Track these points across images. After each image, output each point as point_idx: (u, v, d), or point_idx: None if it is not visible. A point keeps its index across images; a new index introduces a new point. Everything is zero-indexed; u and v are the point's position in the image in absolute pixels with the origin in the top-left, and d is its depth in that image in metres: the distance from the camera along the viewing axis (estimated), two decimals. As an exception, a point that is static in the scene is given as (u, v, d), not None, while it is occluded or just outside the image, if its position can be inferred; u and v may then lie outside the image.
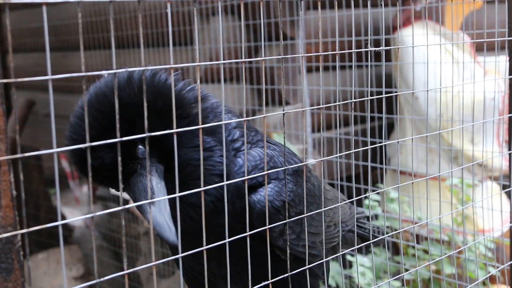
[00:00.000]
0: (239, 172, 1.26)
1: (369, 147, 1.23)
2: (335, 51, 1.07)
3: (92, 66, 4.20)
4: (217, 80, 3.47)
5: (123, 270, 0.82)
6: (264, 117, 1.02)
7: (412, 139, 1.24)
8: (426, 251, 2.99)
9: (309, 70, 3.54)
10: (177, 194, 0.90)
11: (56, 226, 0.75)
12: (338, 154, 1.16)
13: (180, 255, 0.91)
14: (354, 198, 1.37)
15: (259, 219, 1.22)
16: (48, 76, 0.74)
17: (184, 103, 1.21)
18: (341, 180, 3.13)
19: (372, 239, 1.32)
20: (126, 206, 0.82)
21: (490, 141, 3.24)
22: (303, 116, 1.10)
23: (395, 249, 3.45)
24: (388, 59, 3.65)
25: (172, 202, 1.13)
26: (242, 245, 1.05)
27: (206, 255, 0.93)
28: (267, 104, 3.41)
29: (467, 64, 3.29)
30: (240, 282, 1.36)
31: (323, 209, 1.29)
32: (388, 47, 1.20)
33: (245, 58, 0.93)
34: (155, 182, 1.15)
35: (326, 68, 3.41)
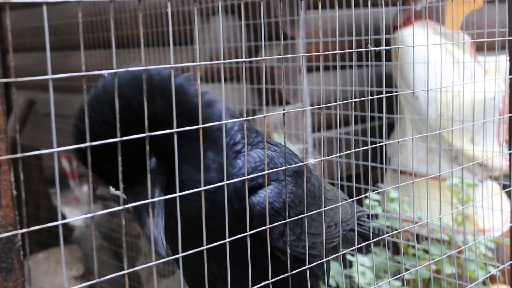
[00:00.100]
0: (239, 174, 1.26)
1: (369, 146, 1.23)
2: (335, 50, 1.07)
3: (92, 66, 4.20)
4: (217, 79, 3.47)
5: (123, 269, 0.82)
6: (264, 116, 1.02)
7: (412, 138, 1.24)
8: (426, 251, 2.99)
9: (309, 69, 3.54)
10: (177, 194, 0.90)
11: (56, 226, 0.75)
12: (338, 154, 1.16)
13: (180, 254, 0.91)
14: (354, 198, 1.37)
15: (258, 221, 1.21)
16: (48, 76, 0.74)
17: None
18: (341, 179, 3.13)
19: (372, 238, 1.32)
20: (126, 206, 0.82)
21: (491, 141, 3.24)
22: (303, 116, 1.10)
23: (395, 249, 3.45)
24: (388, 58, 3.65)
25: (168, 212, 1.16)
26: (241, 247, 1.05)
27: (206, 268, 0.94)
28: (267, 104, 3.41)
29: (468, 64, 3.29)
30: (240, 282, 1.36)
31: (323, 208, 1.29)
32: (388, 47, 1.20)
33: (245, 58, 0.93)
34: (157, 195, 1.16)
35: (326, 68, 3.41)
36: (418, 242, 3.15)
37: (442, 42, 3.26)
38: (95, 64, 4.23)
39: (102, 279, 0.77)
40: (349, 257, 3.00)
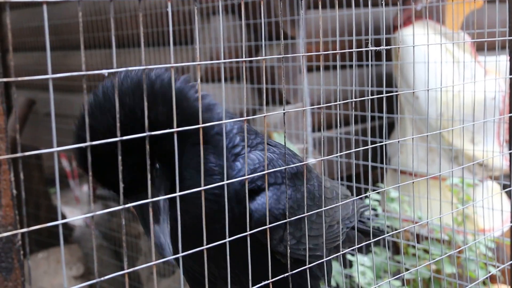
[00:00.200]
0: (238, 176, 1.26)
1: (370, 146, 1.23)
2: (335, 50, 1.07)
3: (92, 65, 4.20)
4: (217, 79, 3.47)
5: (123, 269, 0.82)
6: (264, 116, 1.02)
7: (412, 138, 1.24)
8: (426, 251, 2.99)
9: (309, 69, 3.54)
10: (177, 194, 0.90)
11: (56, 225, 0.75)
12: (338, 154, 1.16)
13: (180, 254, 0.91)
14: (355, 198, 1.37)
15: (257, 227, 1.21)
16: (48, 75, 0.74)
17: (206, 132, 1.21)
18: (342, 179, 3.13)
19: (375, 235, 1.31)
20: (126, 206, 0.82)
21: (491, 141, 3.24)
22: (304, 116, 1.10)
23: (395, 249, 3.45)
24: (388, 58, 3.65)
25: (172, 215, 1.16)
26: (240, 249, 1.05)
27: (206, 268, 0.94)
28: (267, 103, 3.41)
29: (468, 63, 3.29)
30: (239, 283, 1.36)
31: (323, 208, 1.28)
32: (388, 47, 1.20)
33: (245, 57, 0.93)
34: (162, 201, 1.16)
35: (326, 68, 3.41)
36: (418, 242, 3.15)
37: (443, 42, 3.26)
38: (95, 63, 4.23)
39: (102, 278, 0.77)
40: (349, 256, 3.00)
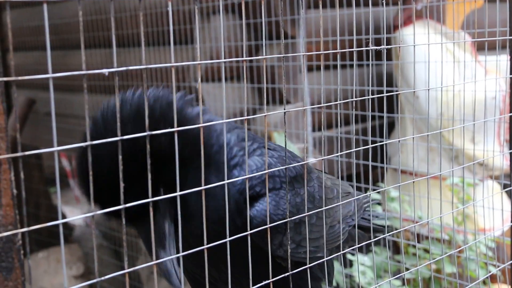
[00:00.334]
0: (235, 184, 1.25)
1: (370, 146, 1.23)
2: (336, 50, 1.07)
3: (92, 65, 4.20)
4: (217, 79, 3.47)
5: (123, 269, 0.82)
6: (265, 116, 1.02)
7: (413, 138, 1.24)
8: (426, 250, 2.99)
9: (309, 69, 3.54)
10: (178, 193, 0.90)
11: (57, 225, 0.75)
12: (338, 153, 1.15)
13: (181, 254, 0.91)
14: (355, 197, 1.37)
15: (257, 234, 1.20)
16: (48, 74, 0.74)
17: (207, 151, 1.19)
18: (342, 179, 3.12)
19: (376, 232, 1.31)
20: (127, 205, 0.82)
21: (491, 140, 3.24)
22: (304, 115, 1.10)
23: (395, 248, 3.45)
24: (389, 58, 3.64)
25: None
26: (241, 254, 1.05)
27: (206, 267, 0.93)
28: (267, 103, 3.41)
29: (468, 63, 3.29)
30: (239, 286, 1.36)
31: (324, 208, 1.28)
32: (389, 46, 1.20)
33: (246, 57, 0.93)
34: (167, 226, 1.15)
35: (327, 67, 3.41)
36: (418, 242, 3.15)
37: (443, 41, 3.25)
38: (95, 63, 4.22)
39: (102, 278, 0.77)
40: (349, 256, 3.00)
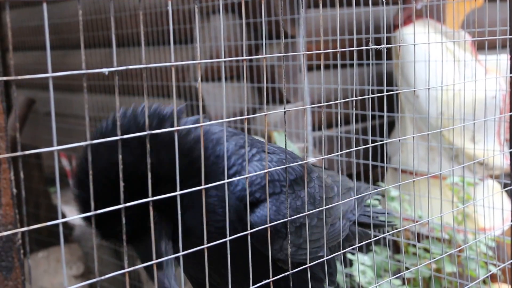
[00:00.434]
0: (235, 191, 1.24)
1: (370, 145, 1.23)
2: (336, 49, 1.07)
3: (92, 65, 4.20)
4: (217, 78, 3.47)
5: (123, 268, 0.81)
6: (265, 115, 1.01)
7: (413, 137, 1.24)
8: (426, 250, 2.99)
9: (309, 68, 3.54)
10: (178, 193, 0.90)
11: (56, 225, 0.75)
12: (339, 153, 1.15)
13: (181, 253, 0.91)
14: (355, 197, 1.37)
15: (257, 241, 1.19)
16: (48, 74, 0.74)
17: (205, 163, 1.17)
18: (342, 178, 3.12)
19: (378, 227, 1.30)
20: (127, 204, 0.82)
21: (491, 140, 3.24)
22: (304, 114, 1.10)
23: (395, 248, 3.44)
24: (389, 57, 3.64)
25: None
26: (241, 257, 1.05)
27: (207, 267, 0.93)
28: (267, 102, 3.41)
29: (468, 62, 3.28)
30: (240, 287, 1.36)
31: (324, 207, 1.27)
32: (389, 45, 1.20)
33: (246, 56, 0.93)
34: (164, 245, 1.15)
35: (327, 66, 3.41)
36: (418, 241, 3.14)
37: (443, 40, 3.25)
38: (95, 62, 4.22)
39: (102, 278, 0.77)
40: (349, 255, 3.00)
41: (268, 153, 1.32)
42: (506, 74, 1.68)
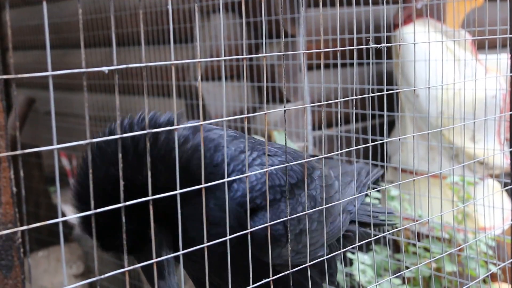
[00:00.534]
0: (236, 197, 1.22)
1: (370, 144, 1.23)
2: (336, 48, 1.07)
3: (92, 64, 4.20)
4: (217, 77, 3.47)
5: (123, 267, 0.81)
6: (265, 114, 1.01)
7: (413, 136, 1.24)
8: (426, 249, 2.99)
9: (309, 67, 3.54)
10: (178, 192, 0.90)
11: (56, 224, 0.75)
12: (339, 152, 1.15)
13: (181, 252, 0.91)
14: (355, 196, 1.37)
15: (257, 248, 1.18)
16: (48, 73, 0.74)
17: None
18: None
19: (377, 225, 1.29)
20: (127, 203, 0.82)
21: (491, 139, 3.23)
22: (304, 114, 1.10)
23: (395, 247, 3.44)
24: (389, 56, 3.64)
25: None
26: (241, 262, 1.06)
27: (207, 269, 0.94)
28: (267, 101, 3.40)
29: (468, 62, 3.28)
30: None
31: (323, 206, 1.27)
32: (389, 44, 1.20)
33: (246, 55, 0.93)
34: (165, 254, 1.15)
35: (327, 66, 3.40)
36: (418, 240, 3.14)
37: (443, 40, 3.25)
38: (95, 62, 4.22)
39: (102, 277, 0.77)
40: (349, 255, 3.00)
41: (269, 155, 1.30)
42: (506, 73, 1.68)
